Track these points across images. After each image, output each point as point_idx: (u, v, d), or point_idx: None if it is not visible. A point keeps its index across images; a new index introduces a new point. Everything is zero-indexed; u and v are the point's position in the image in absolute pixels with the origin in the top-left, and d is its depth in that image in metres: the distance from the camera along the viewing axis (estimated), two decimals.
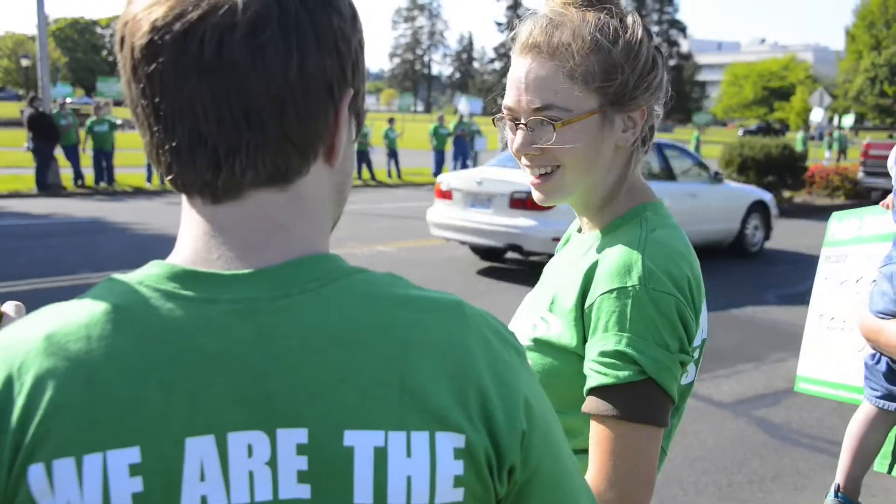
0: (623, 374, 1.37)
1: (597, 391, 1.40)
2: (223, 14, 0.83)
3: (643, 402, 1.38)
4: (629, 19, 1.51)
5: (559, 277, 1.58)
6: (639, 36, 1.50)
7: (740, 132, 67.80)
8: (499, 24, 75.88)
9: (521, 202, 10.04)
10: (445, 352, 0.89)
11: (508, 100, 1.54)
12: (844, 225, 2.71)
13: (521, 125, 1.52)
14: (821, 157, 35.47)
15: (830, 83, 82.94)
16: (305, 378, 0.85)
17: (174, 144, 0.87)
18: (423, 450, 0.86)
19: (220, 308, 0.85)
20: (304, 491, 0.85)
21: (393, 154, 25.04)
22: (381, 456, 0.85)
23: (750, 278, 11.33)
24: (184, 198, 0.93)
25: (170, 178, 0.90)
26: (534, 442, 0.92)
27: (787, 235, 14.88)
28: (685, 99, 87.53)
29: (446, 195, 11.08)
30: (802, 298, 9.44)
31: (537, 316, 1.56)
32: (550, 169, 1.54)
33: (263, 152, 0.87)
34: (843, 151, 39.24)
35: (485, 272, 10.98)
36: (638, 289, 1.38)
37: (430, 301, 0.91)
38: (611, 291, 1.40)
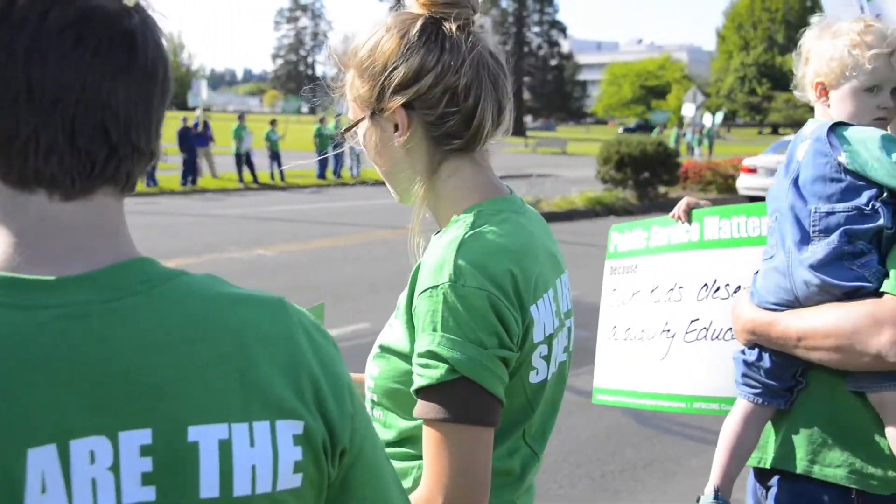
0: (436, 374, 1.35)
1: (419, 393, 1.39)
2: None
3: (461, 401, 1.36)
4: (446, 25, 1.51)
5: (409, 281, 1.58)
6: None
7: (620, 130, 69.66)
8: None
9: None
10: (278, 345, 0.95)
11: None
12: (626, 236, 2.73)
13: None
14: (689, 153, 36.76)
15: (704, 82, 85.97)
16: (146, 378, 0.86)
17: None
18: (266, 438, 0.90)
19: (51, 313, 0.84)
20: (149, 493, 0.85)
21: (275, 156, 24.74)
22: (225, 448, 0.88)
23: None
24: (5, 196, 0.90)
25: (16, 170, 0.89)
26: (358, 427, 1.00)
27: None
28: (567, 98, 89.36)
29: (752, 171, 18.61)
30: None
31: (387, 322, 1.56)
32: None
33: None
34: (710, 148, 40.67)
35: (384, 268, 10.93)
36: (448, 286, 1.37)
37: (256, 299, 0.96)
38: (426, 291, 1.39)
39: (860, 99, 1.99)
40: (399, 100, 1.49)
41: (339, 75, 1.62)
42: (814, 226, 1.99)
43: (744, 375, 2.12)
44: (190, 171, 22.87)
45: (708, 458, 2.22)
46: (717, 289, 2.40)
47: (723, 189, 21.81)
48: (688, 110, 38.34)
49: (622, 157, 19.84)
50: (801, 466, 2.04)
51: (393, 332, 1.50)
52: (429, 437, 1.38)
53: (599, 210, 18.13)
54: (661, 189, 20.72)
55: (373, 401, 1.54)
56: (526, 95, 80.00)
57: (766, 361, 2.07)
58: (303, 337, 0.97)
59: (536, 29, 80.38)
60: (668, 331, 2.52)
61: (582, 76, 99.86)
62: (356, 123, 1.56)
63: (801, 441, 2.05)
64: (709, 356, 2.38)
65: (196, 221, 16.18)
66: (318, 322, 1.02)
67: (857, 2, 3.76)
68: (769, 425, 2.12)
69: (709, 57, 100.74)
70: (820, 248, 1.98)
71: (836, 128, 1.98)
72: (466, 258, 1.39)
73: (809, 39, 2.08)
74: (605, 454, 5.38)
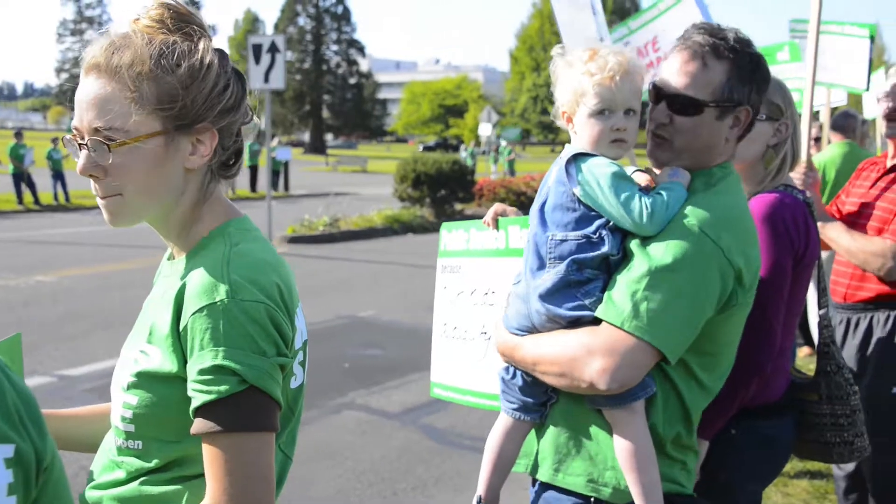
0: (224, 387, 1.40)
1: (202, 411, 1.42)
2: None
3: (249, 410, 1.42)
4: (201, 44, 1.53)
5: (154, 307, 1.57)
6: (207, 60, 1.52)
7: (420, 148, 70.78)
8: None
9: None
10: None
11: (75, 119, 1.53)
12: (453, 235, 2.84)
13: (83, 145, 1.51)
14: (488, 172, 37.89)
15: (499, 102, 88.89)
16: None
17: None
18: None
19: None
20: None
21: (58, 176, 23.28)
22: None
23: (421, 292, 11.78)
24: None
25: None
26: (51, 447, 1.09)
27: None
28: (367, 116, 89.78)
29: None
30: None
31: (137, 350, 1.55)
32: (115, 191, 1.53)
33: None
34: (511, 169, 42.06)
35: None
36: (227, 302, 1.43)
37: None
38: (201, 310, 1.43)
39: (594, 123, 2.07)
40: (220, 122, 1.55)
41: None
42: (550, 253, 2.07)
43: (503, 392, 2.20)
44: None
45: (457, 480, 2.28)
46: None
47: (516, 206, 22.53)
48: (484, 129, 39.51)
49: (419, 176, 20.16)
50: (548, 475, 2.16)
51: (150, 359, 1.50)
52: (214, 453, 1.42)
53: (397, 228, 18.32)
54: (458, 206, 21.19)
55: (128, 433, 1.53)
56: (325, 113, 79.78)
57: (519, 379, 2.16)
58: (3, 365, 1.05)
59: (335, 47, 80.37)
60: (485, 333, 2.64)
61: (382, 94, 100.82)
62: (141, 139, 1.50)
63: (549, 451, 2.16)
64: None
65: None
66: (17, 352, 1.14)
67: (594, 26, 3.99)
68: (532, 434, 2.22)
69: (503, 77, 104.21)
70: (549, 277, 2.06)
71: (577, 158, 2.06)
72: (239, 274, 1.46)
73: (553, 71, 2.17)
74: (397, 472, 5.41)
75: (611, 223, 2.03)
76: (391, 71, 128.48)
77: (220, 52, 1.57)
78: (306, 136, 79.49)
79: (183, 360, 1.46)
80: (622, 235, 2.04)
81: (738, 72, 2.13)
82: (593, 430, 2.10)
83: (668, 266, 1.96)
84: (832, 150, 6.80)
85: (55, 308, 9.53)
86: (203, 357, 1.41)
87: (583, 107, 2.08)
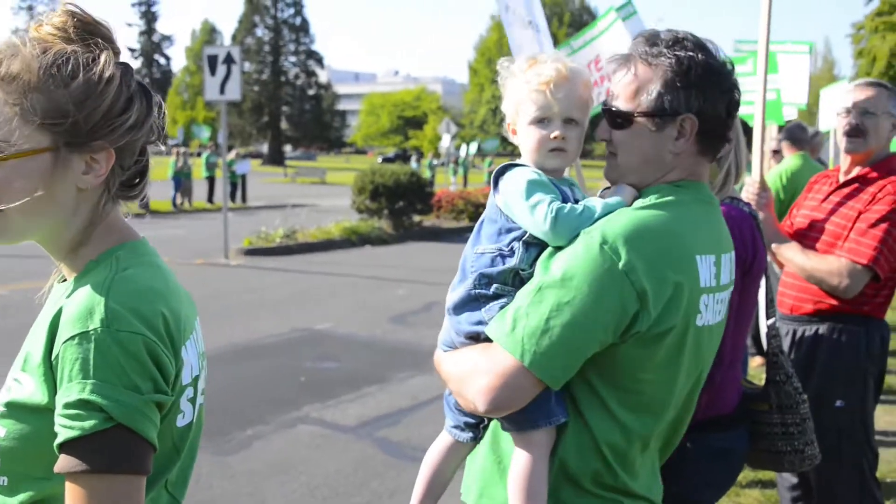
0: (88, 423, 1.30)
1: (65, 447, 1.32)
2: None
3: (116, 450, 1.32)
4: (103, 57, 1.44)
5: (33, 332, 1.47)
6: (107, 74, 1.43)
7: (379, 159, 70.67)
8: (132, 51, 72.91)
9: None
10: None
11: None
12: None
13: None
14: (447, 183, 37.94)
15: (458, 113, 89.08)
16: None
17: None
18: None
19: None
20: None
21: None
22: None
23: (378, 304, 11.73)
24: None
25: None
26: None
27: (415, 257, 15.63)
28: (326, 128, 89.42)
29: None
30: (427, 319, 10.00)
31: (11, 377, 1.45)
32: None
33: None
34: (465, 177, 42.11)
35: None
36: (100, 331, 1.33)
37: None
38: (73, 338, 1.33)
39: (532, 131, 2.01)
40: (119, 141, 1.45)
41: None
42: (472, 267, 2.00)
43: (446, 409, 2.16)
44: None
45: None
46: None
47: (474, 217, 22.58)
48: (444, 141, 39.57)
49: (377, 187, 20.09)
50: (473, 499, 2.09)
51: (23, 388, 1.40)
52: (79, 491, 1.32)
53: (355, 240, 18.23)
54: (416, 218, 21.17)
55: None
56: (284, 125, 79.35)
57: (454, 398, 2.09)
58: None
59: (293, 59, 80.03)
60: None
61: (341, 106, 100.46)
62: (24, 154, 1.40)
63: (477, 475, 2.09)
64: None
65: None
66: None
67: (537, 45, 3.99)
68: (471, 455, 2.16)
69: (462, 89, 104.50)
70: (459, 291, 2.00)
71: (506, 169, 2.02)
72: (118, 301, 1.36)
73: (501, 84, 2.13)
74: (351, 486, 5.36)
75: (525, 236, 1.94)
76: (350, 82, 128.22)
77: (124, 66, 1.47)
78: (265, 148, 78.84)
79: (54, 391, 1.36)
80: (539, 251, 1.93)
81: (672, 78, 1.95)
82: (511, 454, 1.97)
83: (556, 282, 1.81)
84: (785, 163, 7.00)
85: None
86: (70, 389, 1.31)
87: (522, 116, 2.03)
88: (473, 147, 47.65)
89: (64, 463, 1.31)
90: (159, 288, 1.45)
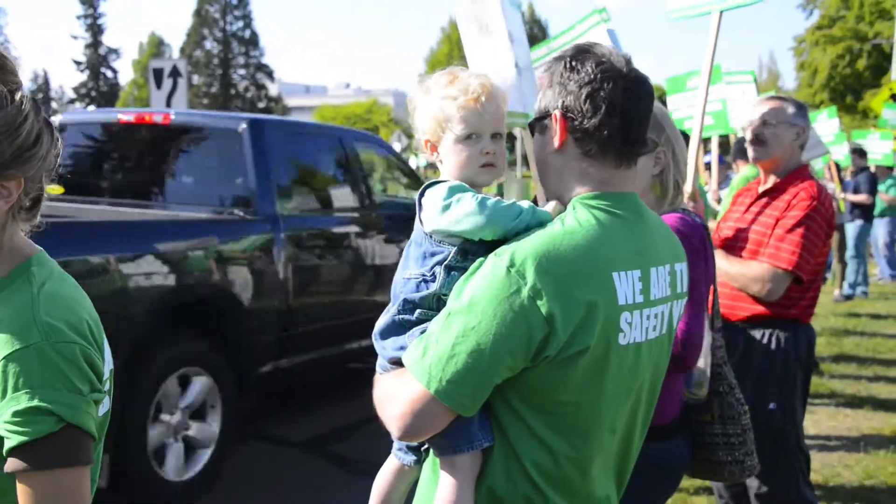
0: (41, 427, 1.45)
1: (17, 451, 1.45)
2: None
3: (67, 447, 1.48)
4: (17, 95, 1.55)
5: None
6: (25, 111, 1.54)
7: None
8: (77, 64, 71.87)
9: None
10: None
11: None
12: None
13: None
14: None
15: (409, 126, 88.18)
16: None
17: None
18: None
19: None
20: None
21: None
22: None
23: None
24: None
25: None
26: None
27: None
28: None
29: None
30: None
31: None
32: None
33: None
34: None
35: None
36: (40, 344, 1.47)
37: None
38: (13, 353, 1.47)
39: (462, 148, 1.96)
40: (28, 171, 1.58)
41: None
42: (399, 292, 1.97)
43: None
44: None
45: None
46: None
47: None
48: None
49: None
50: None
51: None
52: (29, 491, 1.46)
53: None
54: None
55: None
56: None
57: None
58: None
59: (242, 71, 79.34)
60: None
61: (292, 118, 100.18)
62: None
63: (418, 499, 2.03)
64: None
65: None
66: None
67: (511, 55, 3.96)
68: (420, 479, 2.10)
69: None
70: (384, 318, 1.97)
71: (427, 188, 1.96)
72: (50, 315, 1.51)
73: (411, 100, 2.08)
74: (304, 502, 5.35)
75: (446, 261, 1.89)
76: (301, 95, 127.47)
77: (34, 101, 1.59)
78: None
79: None
80: (460, 275, 1.86)
81: (549, 79, 1.94)
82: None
83: (463, 308, 1.76)
84: (742, 174, 7.44)
85: None
86: (18, 399, 1.45)
87: (448, 133, 1.97)
88: (423, 159, 47.65)
89: (16, 464, 1.45)
90: (77, 297, 1.62)
